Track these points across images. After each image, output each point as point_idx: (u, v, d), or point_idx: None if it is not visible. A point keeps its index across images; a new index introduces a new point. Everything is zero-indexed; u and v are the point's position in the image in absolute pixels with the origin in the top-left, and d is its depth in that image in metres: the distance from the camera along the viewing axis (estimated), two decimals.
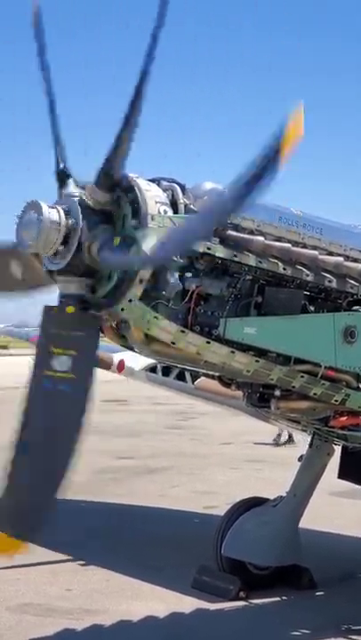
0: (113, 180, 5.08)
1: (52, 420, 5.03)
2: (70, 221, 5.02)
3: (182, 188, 5.46)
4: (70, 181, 5.24)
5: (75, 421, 4.94)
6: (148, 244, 4.93)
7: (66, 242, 5.02)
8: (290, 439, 17.31)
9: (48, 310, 5.30)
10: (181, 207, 5.38)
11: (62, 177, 5.26)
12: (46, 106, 5.28)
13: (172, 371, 9.65)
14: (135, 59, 4.77)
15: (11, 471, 5.02)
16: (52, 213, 4.99)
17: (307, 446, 8.25)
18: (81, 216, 5.04)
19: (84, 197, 5.09)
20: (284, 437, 17.44)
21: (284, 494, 8.13)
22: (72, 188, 5.20)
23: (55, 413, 5.02)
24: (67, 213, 5.02)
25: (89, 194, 5.08)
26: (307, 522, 8.32)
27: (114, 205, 5.17)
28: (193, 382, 9.24)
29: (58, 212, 5.01)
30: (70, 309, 5.14)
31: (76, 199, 5.09)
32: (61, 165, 5.29)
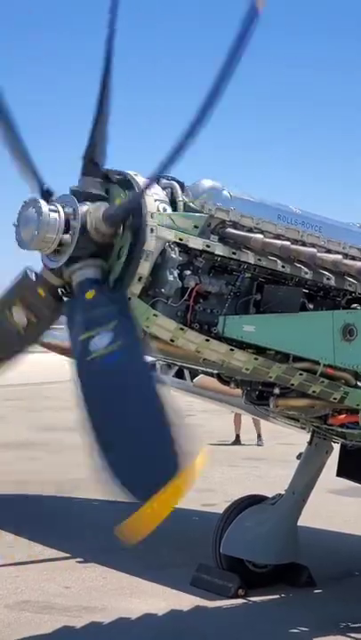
0: (98, 167, 5.11)
1: (121, 395, 4.69)
2: (66, 237, 5.00)
3: (181, 185, 5.45)
4: (95, 172, 5.19)
5: (145, 382, 4.69)
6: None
7: (67, 229, 5.00)
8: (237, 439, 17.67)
9: (68, 303, 5.23)
10: (180, 205, 5.37)
11: (47, 196, 5.19)
12: (12, 140, 5.13)
13: (170, 368, 9.65)
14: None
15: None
16: (52, 217, 4.98)
17: (305, 444, 8.25)
18: (77, 239, 5.00)
19: (87, 224, 5.02)
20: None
21: (283, 492, 8.14)
22: (92, 184, 5.16)
23: (121, 387, 4.71)
24: (68, 218, 5.01)
25: (94, 223, 5.03)
26: (305, 520, 8.33)
27: (106, 191, 5.17)
28: (192, 380, 9.24)
29: (58, 216, 4.99)
30: (90, 295, 4.98)
31: (80, 212, 5.02)
32: (45, 187, 5.20)
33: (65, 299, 5.31)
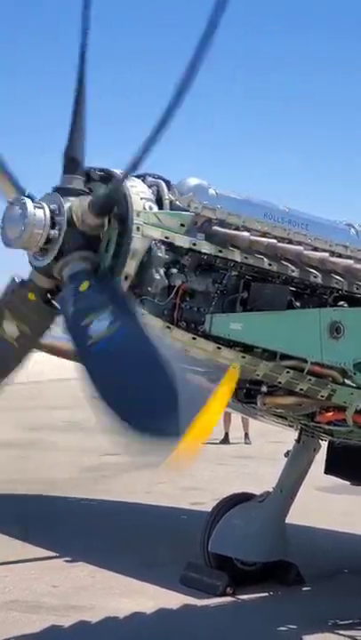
0: (79, 165, 5.08)
1: (123, 370, 4.63)
2: (53, 232, 4.98)
3: (168, 184, 5.46)
4: (76, 170, 5.15)
5: (151, 351, 4.51)
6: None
7: (54, 225, 4.98)
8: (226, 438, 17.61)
9: (62, 296, 5.09)
10: (167, 203, 5.37)
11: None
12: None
13: None
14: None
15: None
16: (38, 214, 4.96)
17: (293, 442, 8.26)
18: (64, 233, 4.99)
19: (73, 217, 5.00)
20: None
21: (271, 490, 8.15)
22: (74, 181, 5.13)
23: (121, 364, 4.62)
24: (53, 215, 4.98)
25: (80, 214, 5.00)
26: (293, 517, 8.34)
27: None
28: None
29: (44, 212, 4.97)
30: (84, 286, 4.94)
31: (66, 207, 5.01)
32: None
33: (55, 303, 5.28)
